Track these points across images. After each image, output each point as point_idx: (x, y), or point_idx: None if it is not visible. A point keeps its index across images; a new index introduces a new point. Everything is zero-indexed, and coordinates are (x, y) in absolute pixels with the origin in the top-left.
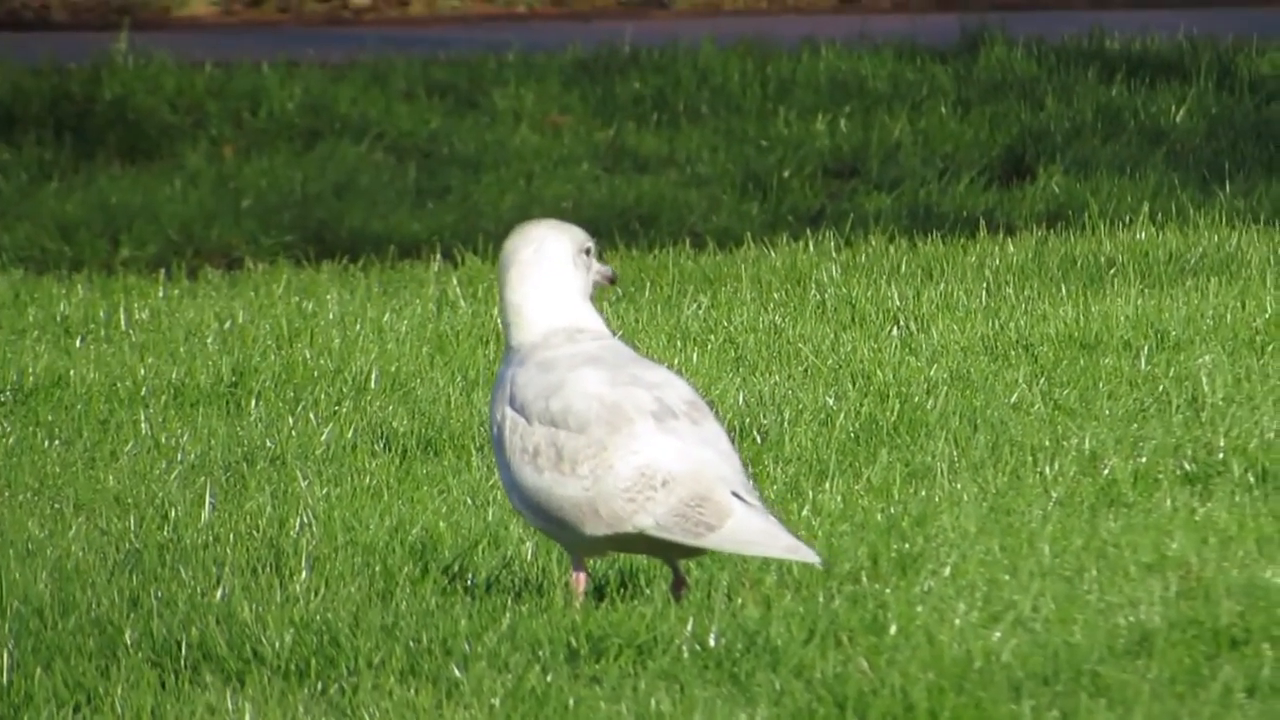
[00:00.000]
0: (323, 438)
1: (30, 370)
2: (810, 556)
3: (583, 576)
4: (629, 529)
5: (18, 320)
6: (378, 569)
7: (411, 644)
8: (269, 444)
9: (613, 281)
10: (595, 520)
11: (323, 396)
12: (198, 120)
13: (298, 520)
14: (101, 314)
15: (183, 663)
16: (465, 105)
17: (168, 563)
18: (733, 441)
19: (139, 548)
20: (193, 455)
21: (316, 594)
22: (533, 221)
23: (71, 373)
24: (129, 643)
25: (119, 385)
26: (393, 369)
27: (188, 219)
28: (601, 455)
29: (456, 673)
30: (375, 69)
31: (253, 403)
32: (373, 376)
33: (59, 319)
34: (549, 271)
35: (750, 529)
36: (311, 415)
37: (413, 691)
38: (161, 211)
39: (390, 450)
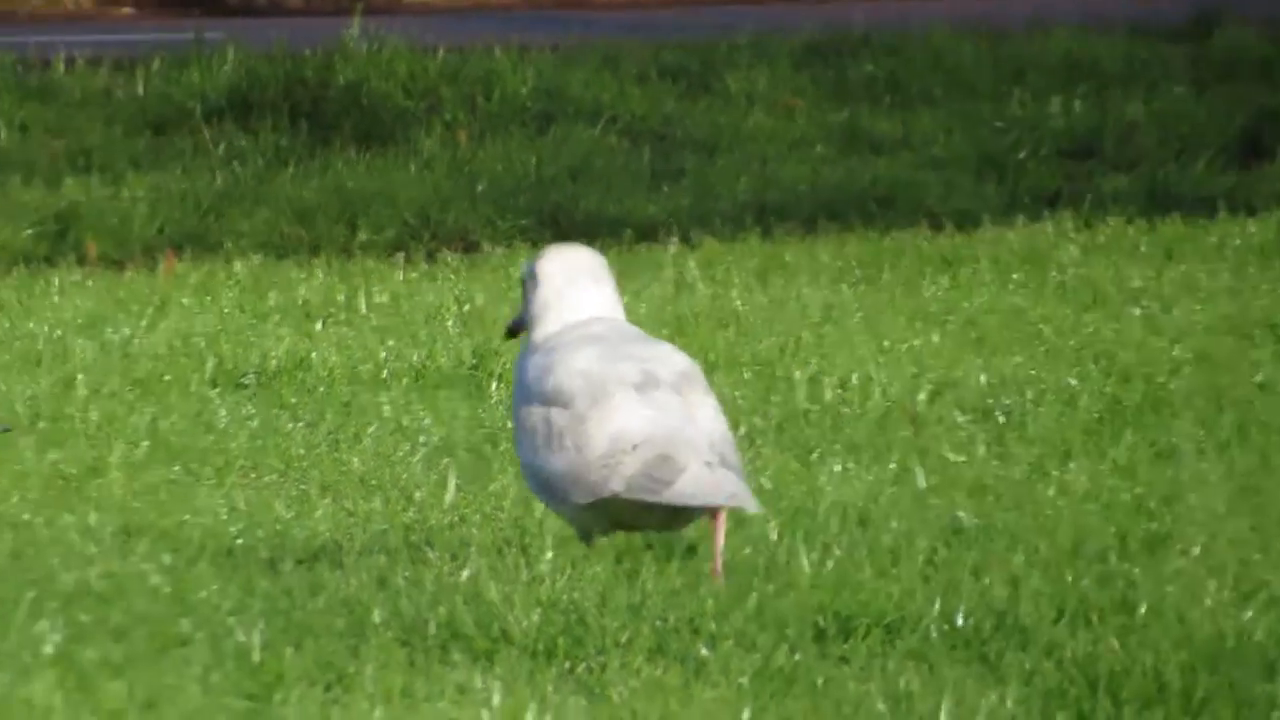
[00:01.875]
0: None
1: (273, 353)
2: (748, 502)
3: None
4: (605, 494)
5: (259, 304)
6: (623, 548)
7: (659, 623)
8: (510, 425)
9: None
10: (579, 490)
11: None
12: (432, 105)
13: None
14: (341, 297)
15: (431, 642)
16: (698, 88)
17: (414, 543)
18: (721, 414)
19: (385, 528)
20: (436, 437)
21: (563, 574)
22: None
23: (313, 355)
24: (377, 622)
25: (360, 368)
26: None
27: (424, 203)
28: (582, 428)
29: (704, 652)
30: (607, 52)
31: (494, 385)
32: None
33: (300, 303)
34: (579, 284)
35: (699, 480)
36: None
37: (660, 670)
38: (398, 195)
39: None
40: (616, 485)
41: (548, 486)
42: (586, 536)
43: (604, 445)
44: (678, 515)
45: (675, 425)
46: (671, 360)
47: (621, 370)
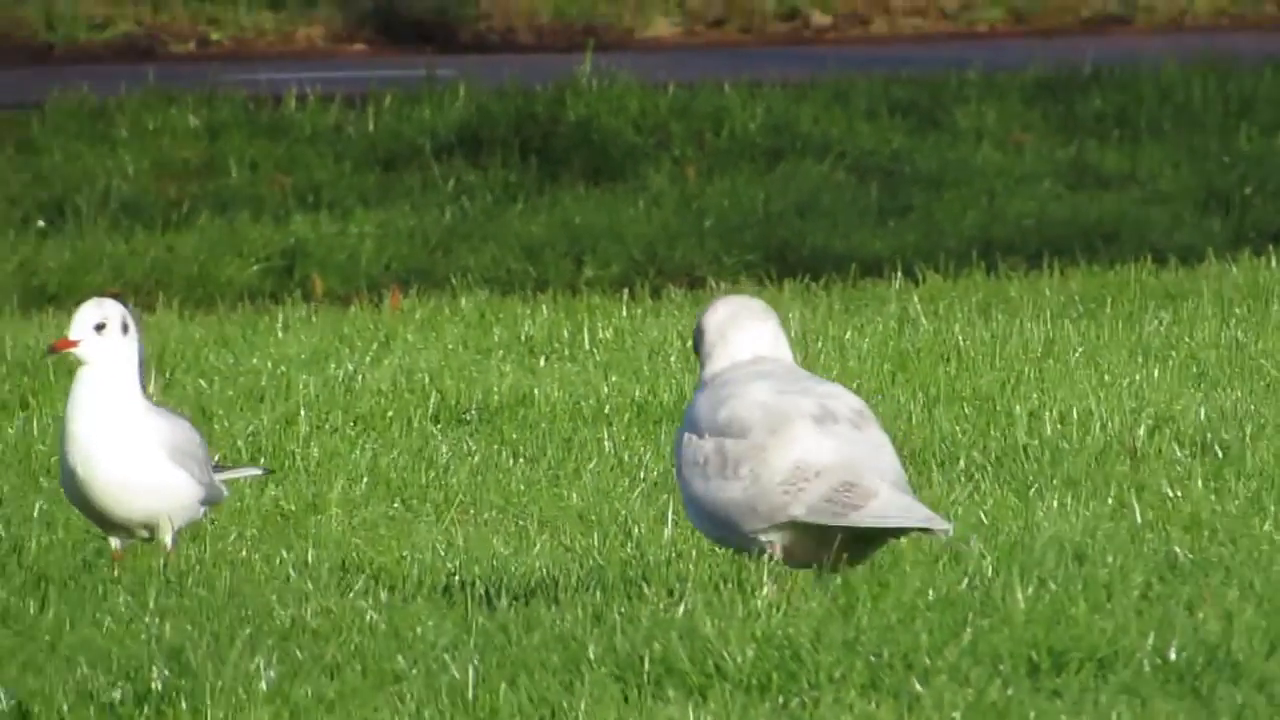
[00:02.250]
0: None
1: (495, 389)
2: (942, 524)
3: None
4: (782, 519)
5: (483, 340)
6: (838, 584)
7: (872, 658)
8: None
9: None
10: (753, 517)
11: None
12: (661, 140)
13: None
14: (565, 333)
15: (645, 677)
16: (927, 123)
17: (630, 579)
18: (897, 448)
19: (602, 564)
20: (655, 472)
21: (778, 609)
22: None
23: (536, 391)
24: (592, 658)
25: (583, 403)
26: (854, 386)
27: (651, 238)
28: (761, 455)
29: (918, 687)
30: (836, 88)
31: None
32: None
33: (523, 338)
34: (768, 324)
35: (891, 504)
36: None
37: (874, 705)
38: (625, 231)
39: None
40: (796, 510)
41: (710, 515)
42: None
43: (785, 470)
44: (855, 545)
45: (860, 454)
46: (845, 398)
47: (800, 403)
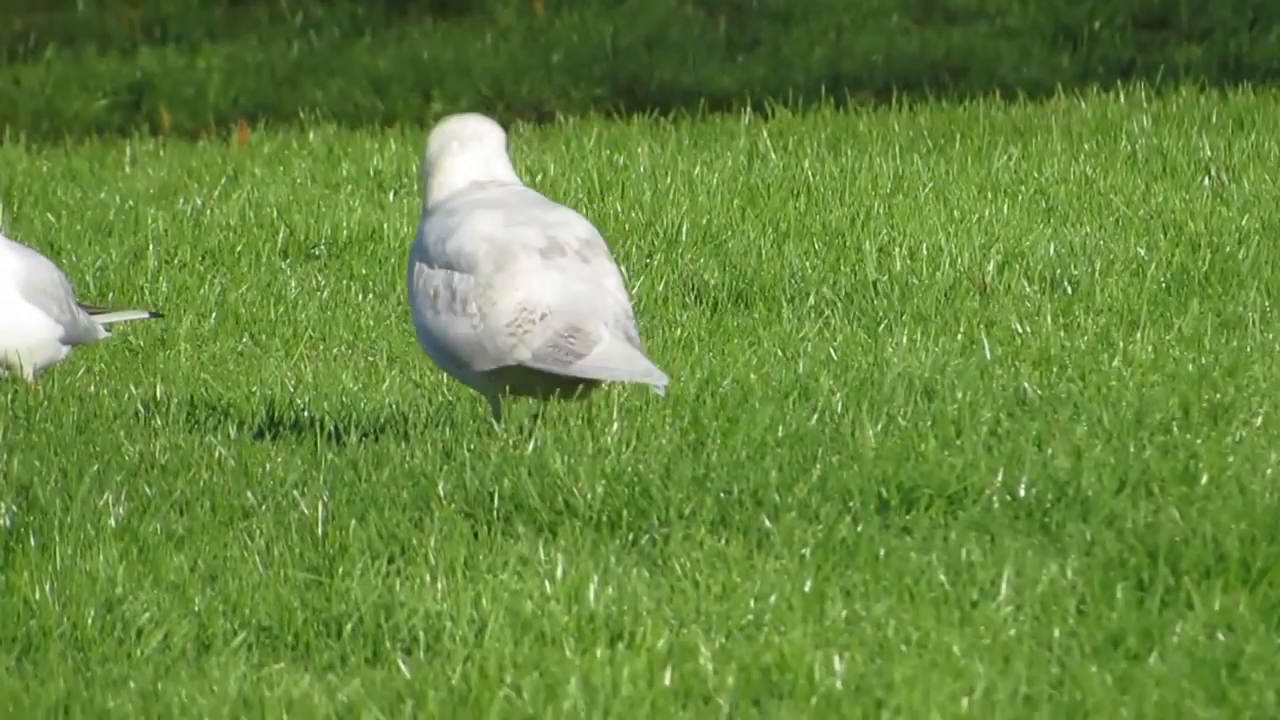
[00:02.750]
0: (635, 290)
1: (344, 224)
2: (660, 379)
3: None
4: (510, 362)
5: (331, 174)
6: (688, 420)
7: (722, 495)
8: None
9: None
10: (483, 356)
11: (634, 249)
12: None
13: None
14: (413, 168)
15: (495, 514)
16: None
17: (480, 415)
18: (624, 280)
19: (452, 400)
20: None
21: (628, 446)
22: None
23: (385, 226)
24: (442, 494)
25: None
26: (703, 222)
27: (499, 73)
28: (487, 293)
29: (767, 523)
30: None
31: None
32: (683, 229)
33: (372, 173)
34: (473, 149)
35: (612, 355)
36: (623, 268)
37: (723, 542)
38: (473, 66)
39: (701, 303)
40: (522, 354)
41: (447, 352)
42: (494, 403)
43: (511, 312)
44: (583, 385)
45: (583, 293)
46: (574, 226)
47: (526, 235)
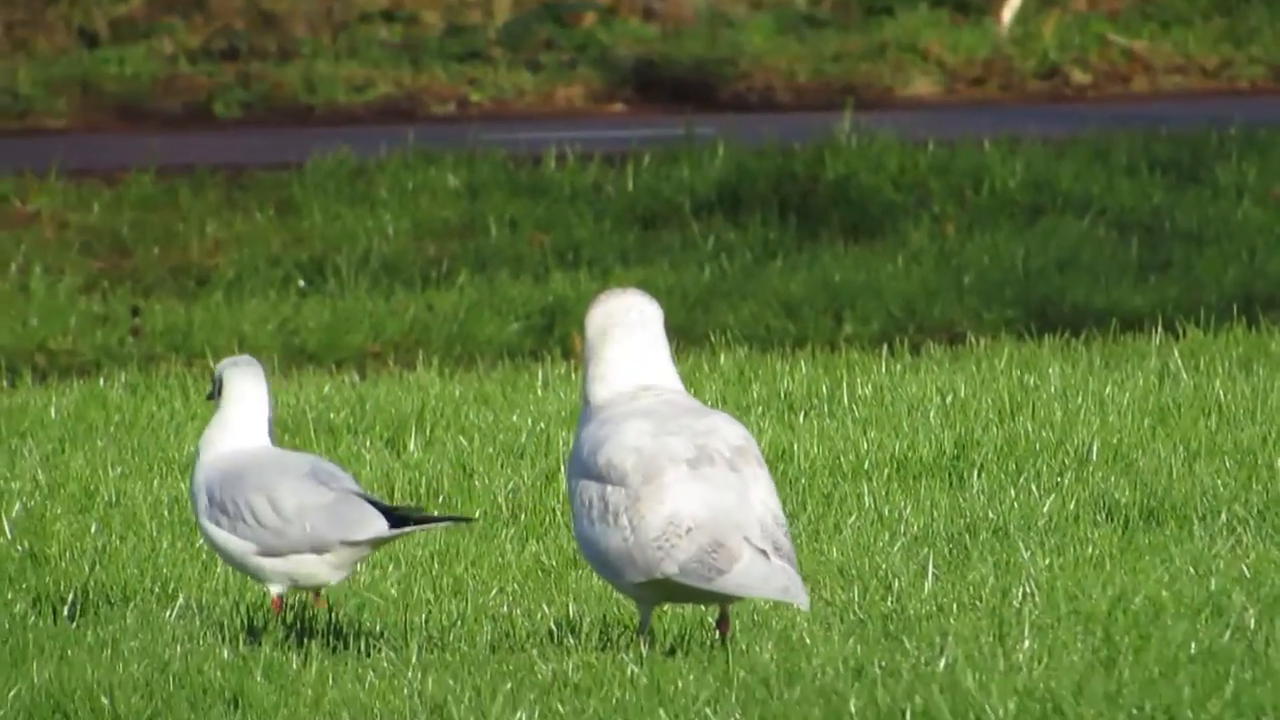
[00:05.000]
0: (1044, 508)
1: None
2: (801, 599)
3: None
4: (658, 575)
5: (743, 396)
6: (1100, 637)
7: (1134, 711)
8: (991, 515)
9: None
10: (634, 568)
11: (1044, 468)
12: (920, 198)
13: (1020, 590)
14: (824, 389)
15: None
16: (1187, 179)
17: (891, 632)
18: (775, 489)
19: (863, 618)
20: (915, 527)
21: (1039, 662)
22: (621, 289)
23: (795, 447)
24: (853, 711)
25: (842, 459)
26: (1114, 440)
27: (910, 295)
28: (636, 506)
29: None
30: (1096, 144)
31: (974, 475)
32: (1094, 448)
33: (783, 395)
34: (635, 336)
35: (753, 573)
36: (1033, 486)
37: None
38: (885, 288)
39: (1112, 520)
40: (670, 568)
41: (600, 561)
42: (645, 611)
43: (659, 526)
44: (731, 596)
45: (727, 506)
46: (725, 434)
47: (673, 447)
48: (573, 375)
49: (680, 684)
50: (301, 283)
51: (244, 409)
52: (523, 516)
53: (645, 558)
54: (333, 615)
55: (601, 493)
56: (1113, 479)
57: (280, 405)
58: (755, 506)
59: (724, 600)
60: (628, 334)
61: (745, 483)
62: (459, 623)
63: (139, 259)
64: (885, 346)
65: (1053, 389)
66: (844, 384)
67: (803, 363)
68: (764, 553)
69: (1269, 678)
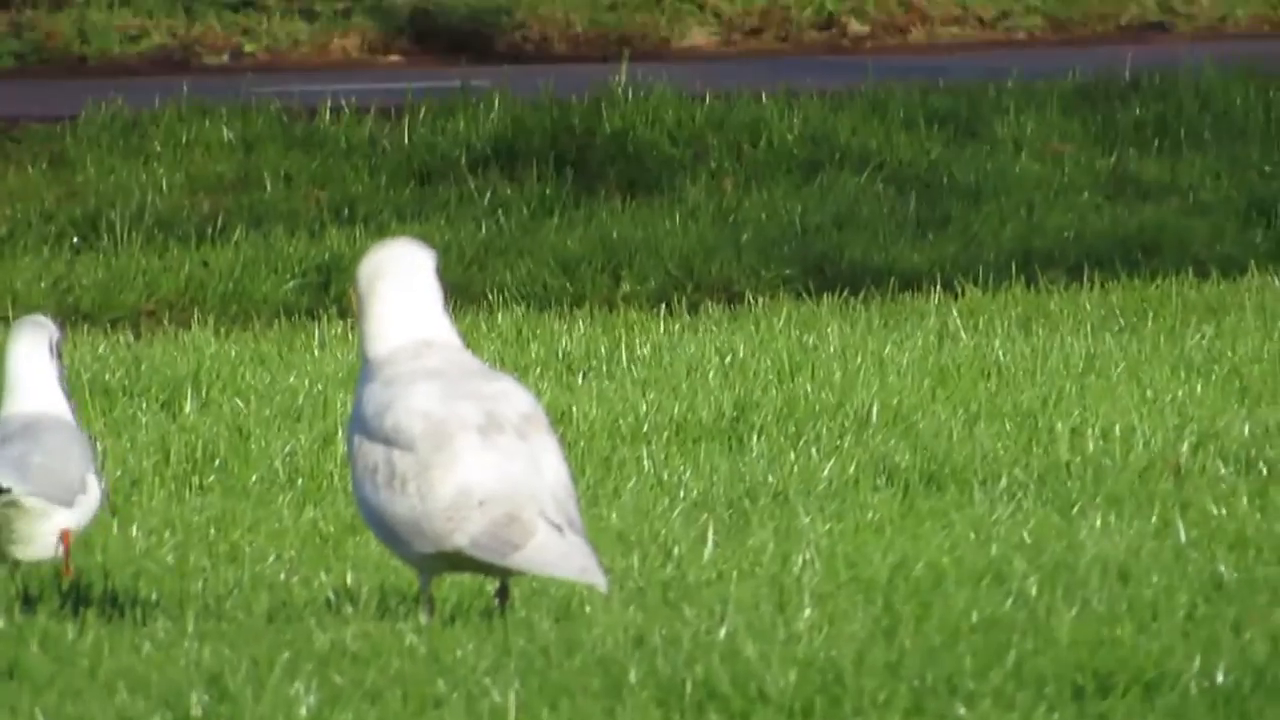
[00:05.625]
0: (825, 473)
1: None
2: (598, 579)
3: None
4: (448, 548)
5: (520, 356)
6: (881, 606)
7: (916, 682)
8: (771, 479)
9: None
10: (422, 539)
11: (824, 430)
12: (698, 152)
13: (800, 557)
14: (603, 349)
15: (687, 701)
16: (965, 133)
17: (671, 600)
18: (565, 458)
19: (642, 585)
20: (695, 492)
21: (820, 631)
22: (391, 239)
23: (574, 408)
24: (633, 681)
25: (621, 421)
26: (894, 402)
27: (688, 253)
28: (426, 474)
29: (962, 711)
30: (874, 97)
31: (754, 438)
32: (874, 410)
33: (561, 355)
34: (408, 286)
35: (549, 549)
36: (813, 450)
37: None
38: (662, 245)
39: (892, 485)
40: (460, 540)
41: (383, 527)
42: (425, 579)
43: (449, 497)
44: (525, 573)
45: (520, 478)
46: (514, 400)
47: (464, 412)
48: (349, 335)
49: (459, 653)
50: (75, 239)
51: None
52: (300, 481)
53: (434, 529)
54: (108, 583)
55: (388, 457)
56: (893, 442)
57: None
58: (547, 477)
59: (515, 575)
60: (401, 284)
61: (535, 452)
62: (235, 591)
63: None
64: (663, 305)
65: (832, 349)
66: (622, 344)
67: (580, 322)
68: (559, 528)
69: (1050, 647)
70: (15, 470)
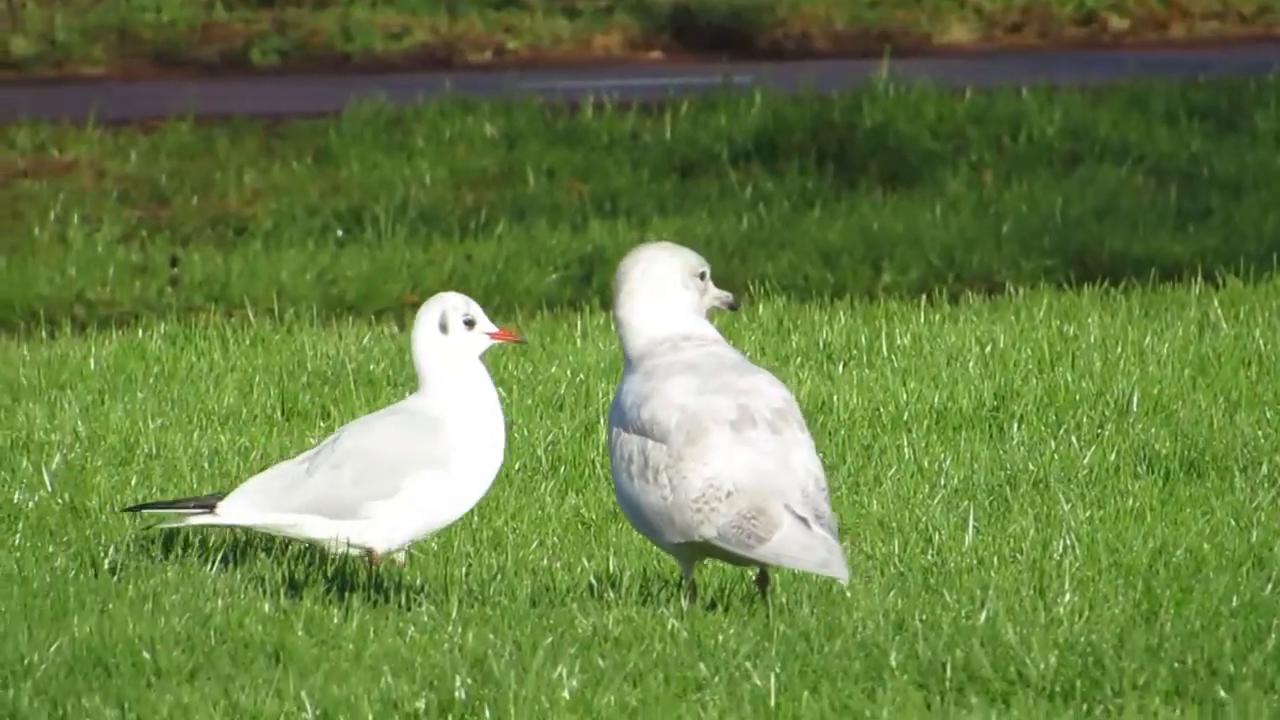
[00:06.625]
0: (1085, 460)
1: (795, 396)
2: (840, 573)
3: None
4: (696, 538)
5: (781, 346)
6: (1141, 590)
7: (1177, 665)
8: (1031, 467)
9: (733, 308)
10: (672, 528)
11: (1085, 419)
12: (958, 146)
13: (1061, 543)
14: (863, 339)
15: (948, 684)
16: (1225, 127)
17: (931, 586)
18: (817, 451)
19: (903, 571)
20: (955, 479)
21: (1080, 616)
22: (646, 243)
23: (834, 398)
24: (894, 665)
25: (881, 410)
26: (1154, 391)
27: (948, 244)
28: (678, 466)
29: (1222, 693)
30: (1134, 92)
31: (1015, 426)
32: (1134, 399)
33: (822, 345)
34: (656, 289)
35: (792, 543)
36: (1074, 438)
37: (1178, 712)
38: (923, 237)
39: (1153, 472)
40: (708, 531)
41: (637, 516)
42: (686, 566)
43: (699, 488)
44: (769, 564)
45: (769, 471)
46: (767, 394)
47: (718, 406)
48: (611, 326)
49: (720, 638)
50: (340, 232)
51: None
52: (562, 469)
53: (684, 519)
54: (373, 569)
55: (643, 447)
56: (1153, 430)
57: (320, 356)
58: (797, 471)
59: (762, 565)
60: (660, 280)
61: (786, 446)
62: (499, 576)
63: (177, 208)
64: (924, 296)
65: (1092, 339)
66: (883, 334)
67: (841, 313)
68: (805, 521)
69: None
70: None
